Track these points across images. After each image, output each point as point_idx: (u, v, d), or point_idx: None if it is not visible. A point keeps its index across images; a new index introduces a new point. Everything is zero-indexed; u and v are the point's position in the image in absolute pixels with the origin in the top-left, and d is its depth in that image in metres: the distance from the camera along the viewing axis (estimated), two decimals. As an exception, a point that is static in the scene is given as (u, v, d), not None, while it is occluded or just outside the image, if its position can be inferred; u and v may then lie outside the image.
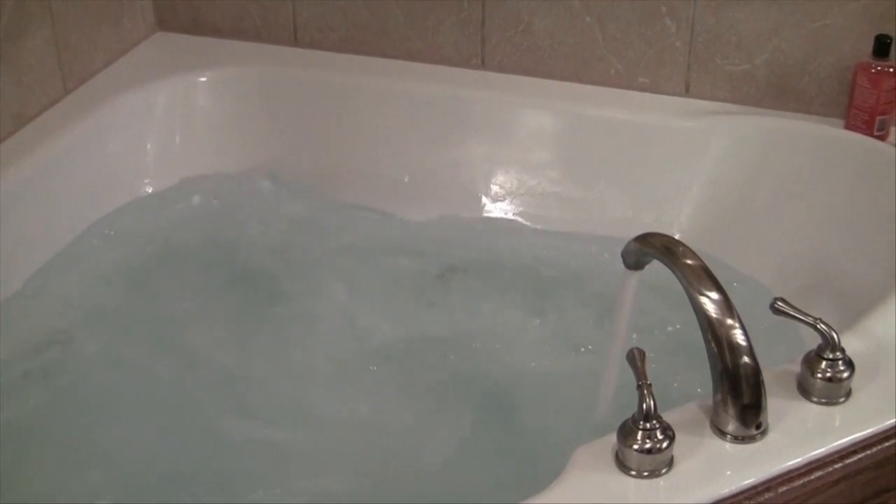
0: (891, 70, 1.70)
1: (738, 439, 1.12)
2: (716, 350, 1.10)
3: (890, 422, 1.16)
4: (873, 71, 1.71)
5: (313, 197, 1.97)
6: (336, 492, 1.46)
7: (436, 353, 1.68)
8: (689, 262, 1.15)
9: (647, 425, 1.07)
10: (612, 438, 1.10)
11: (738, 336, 1.10)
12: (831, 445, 1.13)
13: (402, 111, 1.97)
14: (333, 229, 1.92)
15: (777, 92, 1.85)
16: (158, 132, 1.98)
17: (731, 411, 1.11)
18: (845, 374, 1.16)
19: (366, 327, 1.73)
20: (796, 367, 1.19)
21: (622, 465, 1.09)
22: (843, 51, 1.79)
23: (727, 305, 1.11)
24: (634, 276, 1.34)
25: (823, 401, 1.17)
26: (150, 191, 1.95)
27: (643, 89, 1.93)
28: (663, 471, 1.08)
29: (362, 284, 1.81)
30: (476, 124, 1.94)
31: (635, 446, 1.07)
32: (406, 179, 1.95)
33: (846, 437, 1.14)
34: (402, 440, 1.55)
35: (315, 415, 1.58)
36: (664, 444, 1.07)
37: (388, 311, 1.76)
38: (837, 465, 1.12)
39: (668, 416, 1.10)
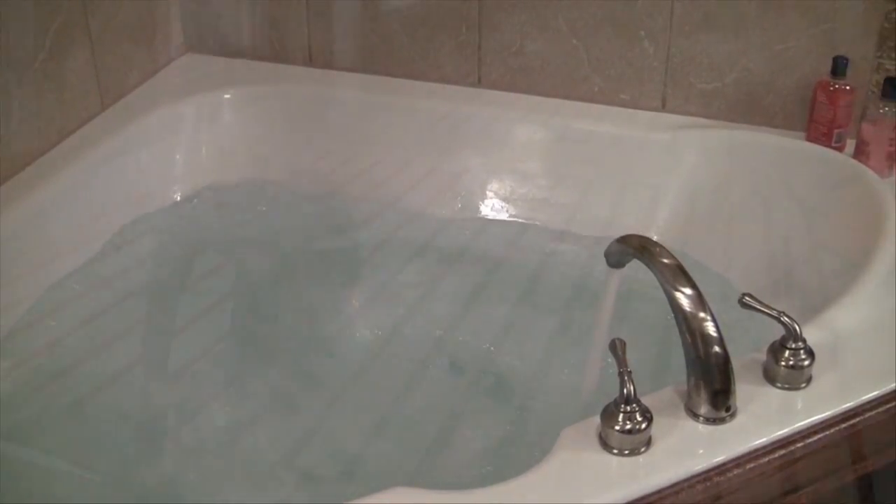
0: (847, 88, 1.70)
1: (709, 421, 1.12)
2: (689, 340, 1.09)
3: (846, 405, 1.15)
4: (831, 89, 1.71)
5: (324, 202, 1.96)
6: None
7: (437, 341, 1.68)
8: (665, 260, 1.14)
9: (628, 408, 1.06)
10: (596, 420, 1.09)
11: (710, 328, 1.09)
12: (793, 427, 1.12)
13: (406, 125, 1.97)
14: (342, 231, 1.91)
15: (744, 108, 1.85)
16: (187, 144, 1.98)
17: (704, 396, 1.10)
18: (806, 363, 1.16)
19: (373, 318, 1.73)
20: (762, 356, 1.19)
21: (605, 445, 1.08)
22: (804, 71, 1.79)
23: (700, 300, 1.10)
24: (616, 274, 1.34)
25: (786, 386, 1.17)
26: (178, 198, 1.95)
27: (624, 105, 1.93)
28: (642, 449, 1.08)
29: (370, 282, 1.80)
30: (473, 137, 1.94)
31: (617, 427, 1.07)
32: (409, 187, 1.95)
33: (807, 419, 1.13)
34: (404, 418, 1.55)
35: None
36: (643, 426, 1.07)
37: (393, 307, 1.75)
38: (799, 445, 1.11)
39: (646, 400, 1.09)
